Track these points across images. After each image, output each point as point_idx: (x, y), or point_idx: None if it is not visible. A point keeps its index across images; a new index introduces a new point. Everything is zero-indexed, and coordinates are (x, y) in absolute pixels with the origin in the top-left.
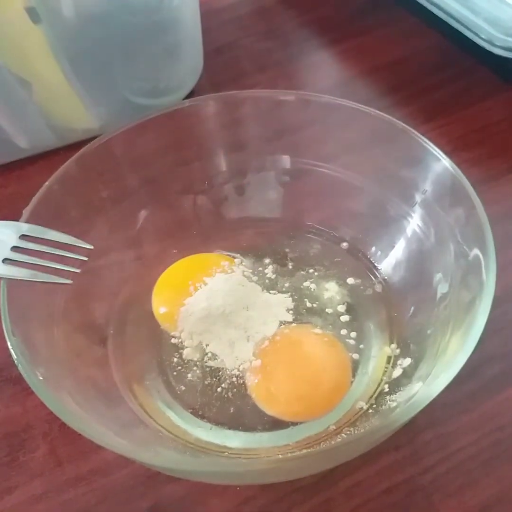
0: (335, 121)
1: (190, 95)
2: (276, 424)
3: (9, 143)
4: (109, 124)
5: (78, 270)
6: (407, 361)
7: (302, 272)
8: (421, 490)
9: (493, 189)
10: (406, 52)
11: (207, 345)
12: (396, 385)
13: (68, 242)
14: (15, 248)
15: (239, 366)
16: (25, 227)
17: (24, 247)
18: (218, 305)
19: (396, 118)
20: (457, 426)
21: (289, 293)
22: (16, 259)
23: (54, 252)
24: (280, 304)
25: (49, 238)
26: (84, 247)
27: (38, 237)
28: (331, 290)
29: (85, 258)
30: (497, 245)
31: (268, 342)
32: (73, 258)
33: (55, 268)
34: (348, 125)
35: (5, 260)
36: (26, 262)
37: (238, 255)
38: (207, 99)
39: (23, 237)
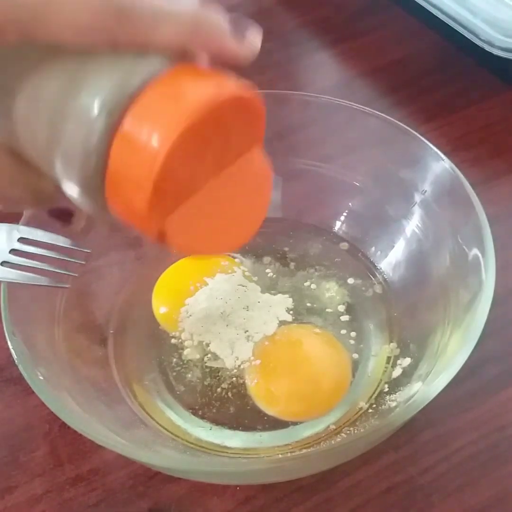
0: (335, 122)
1: None
2: (276, 424)
3: None
4: None
5: (76, 274)
6: (406, 361)
7: (302, 272)
8: (421, 490)
9: (492, 189)
10: (406, 53)
11: (207, 345)
12: (395, 384)
13: (67, 246)
14: (13, 251)
15: (239, 366)
16: (23, 230)
17: (23, 250)
18: (218, 305)
19: (396, 118)
20: (457, 426)
21: (289, 293)
22: (14, 262)
23: (52, 255)
24: (280, 304)
25: (47, 241)
26: (82, 251)
27: (36, 240)
28: (331, 290)
29: (83, 262)
30: (497, 245)
31: (268, 342)
32: (71, 261)
33: (53, 271)
34: (348, 125)
35: (3, 263)
36: (24, 265)
37: (238, 255)
38: None
39: (22, 240)
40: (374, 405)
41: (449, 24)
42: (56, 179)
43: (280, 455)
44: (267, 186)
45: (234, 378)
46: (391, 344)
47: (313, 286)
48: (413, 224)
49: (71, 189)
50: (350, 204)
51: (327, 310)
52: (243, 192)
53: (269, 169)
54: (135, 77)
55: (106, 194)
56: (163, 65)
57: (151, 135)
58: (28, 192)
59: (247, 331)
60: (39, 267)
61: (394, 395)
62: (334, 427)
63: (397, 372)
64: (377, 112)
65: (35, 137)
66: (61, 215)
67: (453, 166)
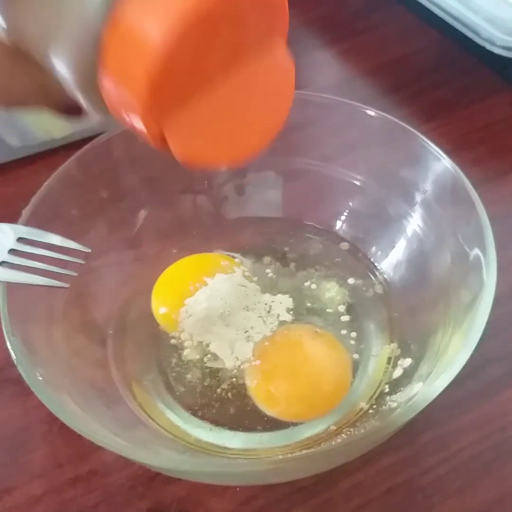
0: (336, 121)
1: None
2: (276, 424)
3: (2, 143)
4: (89, 128)
5: (75, 274)
6: (407, 361)
7: (302, 272)
8: (421, 491)
9: (494, 189)
10: (407, 52)
11: (207, 345)
12: (396, 385)
13: (66, 246)
14: (12, 251)
15: (239, 366)
16: (22, 230)
17: (21, 250)
18: (218, 306)
19: (397, 117)
20: (458, 426)
21: (289, 293)
22: (13, 262)
23: (52, 255)
24: (280, 304)
25: (46, 241)
26: (82, 250)
27: (35, 240)
28: (331, 290)
29: (82, 262)
30: (498, 245)
31: (268, 342)
32: (70, 261)
33: (52, 271)
34: (349, 124)
35: (2, 263)
36: (23, 265)
37: (238, 255)
38: None
39: (21, 239)
40: (375, 406)
41: (450, 22)
42: (56, 74)
43: (280, 456)
44: (288, 85)
45: (234, 379)
46: (392, 344)
47: (313, 286)
48: (414, 223)
49: (69, 84)
50: (350, 203)
51: (327, 310)
52: (259, 91)
53: (293, 68)
54: None
55: (101, 88)
56: None
57: (149, 22)
58: (32, 88)
59: (247, 331)
60: (38, 267)
61: (394, 395)
62: (334, 427)
63: (397, 372)
64: (378, 111)
65: (35, 27)
66: (70, 109)
67: (454, 165)
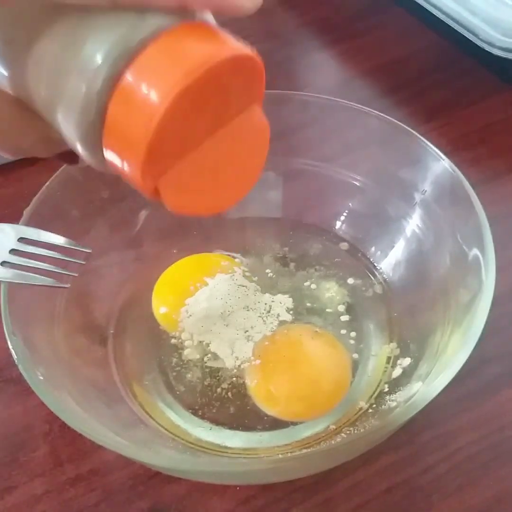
0: (335, 122)
1: None
2: (276, 424)
3: None
4: None
5: (76, 274)
6: (406, 361)
7: (302, 272)
8: (421, 490)
9: (493, 189)
10: (406, 53)
11: (207, 345)
12: (395, 384)
13: (67, 246)
14: (13, 251)
15: (239, 366)
16: (24, 230)
17: (23, 250)
18: (218, 305)
19: (396, 118)
20: (457, 426)
21: (289, 293)
22: (14, 262)
23: (53, 255)
24: (280, 304)
25: (47, 241)
26: (83, 251)
27: (36, 240)
28: (331, 290)
29: (83, 262)
30: (497, 245)
31: (268, 342)
32: (71, 261)
33: (53, 271)
34: (348, 125)
35: (3, 263)
36: (24, 265)
37: (238, 255)
38: None
39: (22, 239)
40: (374, 405)
41: (449, 24)
42: (60, 132)
43: (280, 455)
44: (264, 143)
45: (234, 378)
46: (391, 344)
47: (313, 286)
48: (413, 224)
49: (73, 142)
50: (350, 204)
51: (327, 310)
52: (239, 150)
53: (267, 127)
54: (137, 32)
55: (103, 148)
56: (165, 23)
57: (149, 93)
58: (38, 141)
59: (247, 331)
60: (39, 267)
61: (394, 395)
62: (334, 427)
63: (397, 372)
64: (377, 112)
65: (43, 90)
66: (67, 156)
67: (453, 166)
